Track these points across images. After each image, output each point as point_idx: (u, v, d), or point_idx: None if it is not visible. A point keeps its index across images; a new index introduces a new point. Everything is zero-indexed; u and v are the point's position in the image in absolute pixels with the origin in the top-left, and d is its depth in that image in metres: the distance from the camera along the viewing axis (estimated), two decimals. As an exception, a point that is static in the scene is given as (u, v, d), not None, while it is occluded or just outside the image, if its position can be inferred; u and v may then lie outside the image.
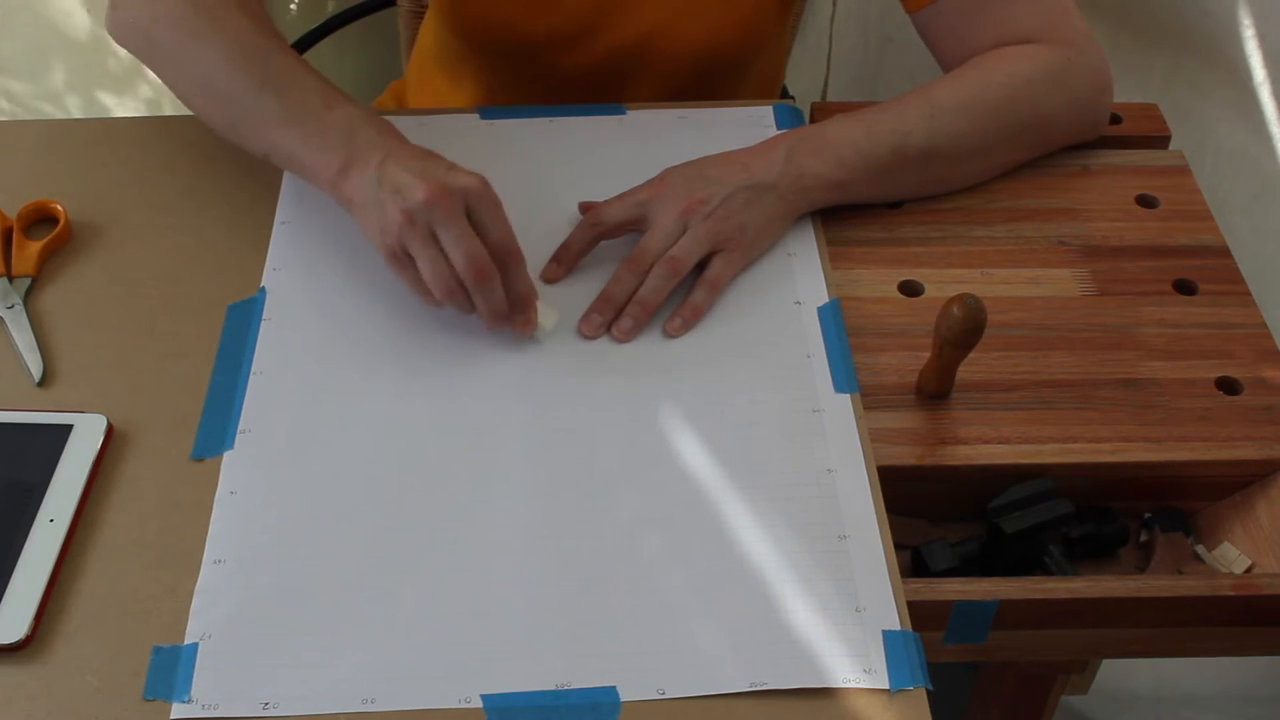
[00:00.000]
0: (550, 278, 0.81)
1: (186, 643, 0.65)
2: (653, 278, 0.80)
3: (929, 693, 0.63)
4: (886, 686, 0.63)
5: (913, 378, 0.79)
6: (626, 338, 0.79)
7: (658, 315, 0.81)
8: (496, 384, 0.77)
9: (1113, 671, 1.35)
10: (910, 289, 0.85)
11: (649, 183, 0.85)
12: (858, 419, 0.75)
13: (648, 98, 0.99)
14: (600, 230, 0.83)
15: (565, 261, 0.83)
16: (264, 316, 0.81)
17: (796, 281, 0.84)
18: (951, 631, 0.71)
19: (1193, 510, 0.80)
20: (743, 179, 0.84)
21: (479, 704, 0.63)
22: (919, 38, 0.95)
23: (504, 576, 0.68)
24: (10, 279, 0.83)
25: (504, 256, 0.75)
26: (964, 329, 0.73)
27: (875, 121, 0.87)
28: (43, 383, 0.77)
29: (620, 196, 0.84)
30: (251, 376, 0.77)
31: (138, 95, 1.73)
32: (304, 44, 1.40)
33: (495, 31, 0.99)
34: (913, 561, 0.75)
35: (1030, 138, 0.92)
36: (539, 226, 0.87)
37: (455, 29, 1.03)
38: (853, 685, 0.63)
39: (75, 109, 1.71)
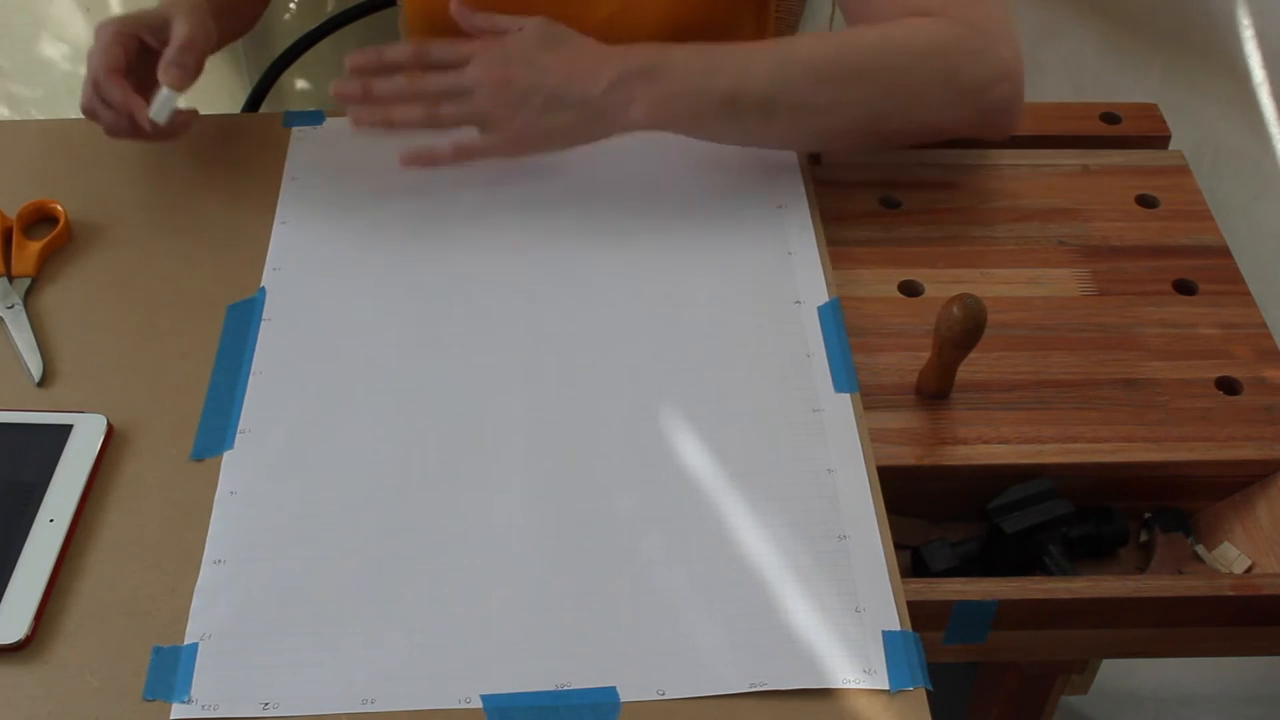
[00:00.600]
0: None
1: (186, 643, 0.65)
2: (417, 110, 0.83)
3: (929, 693, 0.63)
4: (886, 687, 0.63)
5: (913, 378, 0.79)
6: (361, 126, 0.85)
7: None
8: (496, 383, 0.77)
9: (1113, 671, 1.35)
10: (910, 289, 0.85)
11: (492, 36, 0.86)
12: (858, 419, 0.75)
13: None
14: (424, 63, 0.85)
15: (370, 67, 0.85)
16: (264, 316, 0.81)
17: (796, 281, 0.84)
18: (951, 631, 0.71)
19: (1193, 510, 0.80)
20: (557, 84, 0.83)
21: (479, 704, 0.63)
22: None
23: (504, 576, 0.68)
24: (10, 279, 0.83)
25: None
26: (964, 329, 0.73)
27: (724, 60, 0.84)
28: (43, 383, 0.77)
29: (455, 44, 0.86)
30: (251, 376, 0.77)
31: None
32: (304, 44, 1.40)
33: (448, 22, 0.99)
34: (913, 561, 0.75)
35: (893, 108, 0.85)
36: (539, 226, 0.87)
37: (417, 25, 1.03)
38: (852, 685, 0.63)
39: (75, 110, 1.70)
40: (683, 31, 0.98)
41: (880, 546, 0.69)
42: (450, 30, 1.01)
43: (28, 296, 0.83)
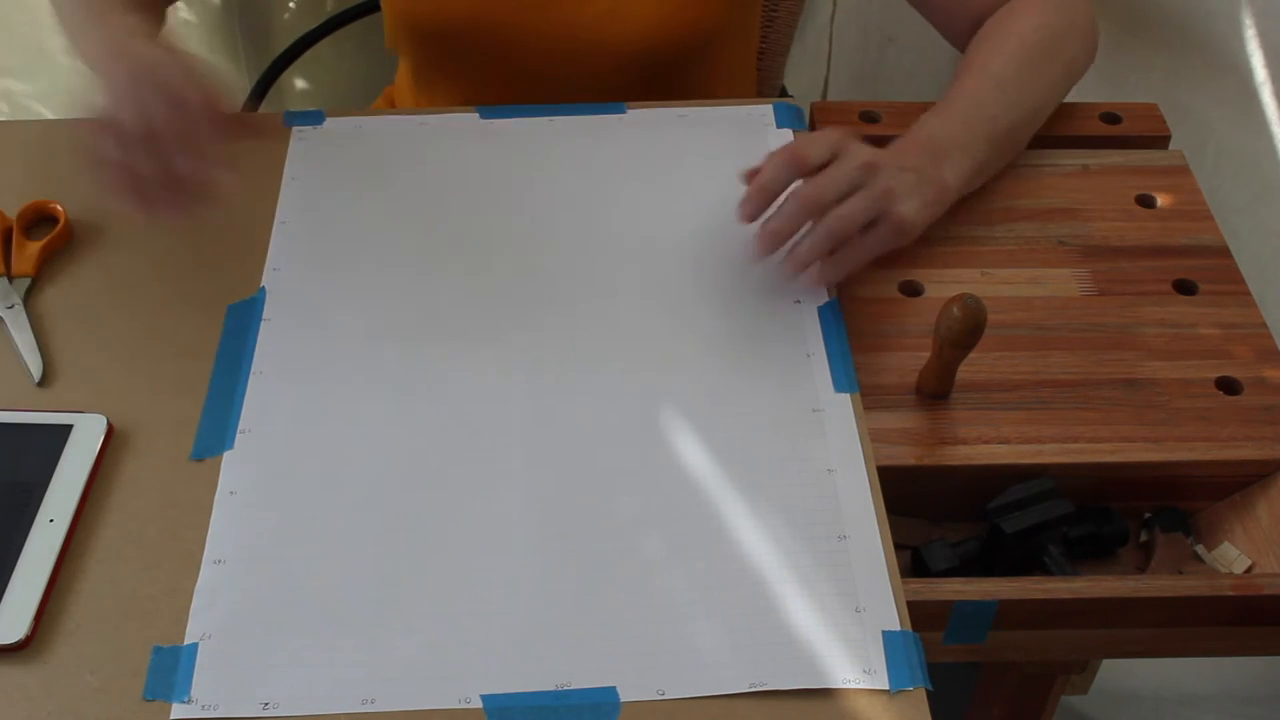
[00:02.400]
0: (748, 216, 0.79)
1: (186, 643, 0.65)
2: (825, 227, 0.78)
3: (929, 693, 0.63)
4: (886, 687, 0.63)
5: (913, 378, 0.79)
6: (797, 269, 0.79)
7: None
8: (496, 383, 0.77)
9: (1113, 671, 1.35)
10: (910, 289, 0.85)
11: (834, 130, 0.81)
12: (858, 419, 0.75)
13: (608, 86, 0.98)
14: (801, 171, 0.78)
15: (759, 201, 0.79)
16: (264, 316, 0.81)
17: (796, 281, 0.83)
18: (951, 631, 0.71)
19: (1193, 510, 0.80)
20: (899, 163, 0.81)
21: (479, 704, 0.63)
22: (917, 39, 0.95)
23: (504, 576, 0.68)
24: (10, 279, 0.83)
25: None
26: (964, 329, 0.73)
27: (961, 114, 0.86)
28: (43, 383, 0.77)
29: (813, 137, 0.79)
30: (251, 376, 0.77)
31: (137, 95, 1.72)
32: (303, 44, 1.40)
33: (433, 22, 0.99)
34: (913, 561, 0.75)
35: (1065, 83, 0.94)
36: (539, 226, 0.87)
37: (401, 25, 1.03)
38: (852, 686, 0.63)
39: (75, 109, 1.70)
40: (672, 31, 0.98)
41: (880, 546, 0.69)
42: (430, 33, 1.01)
43: (28, 296, 0.83)
